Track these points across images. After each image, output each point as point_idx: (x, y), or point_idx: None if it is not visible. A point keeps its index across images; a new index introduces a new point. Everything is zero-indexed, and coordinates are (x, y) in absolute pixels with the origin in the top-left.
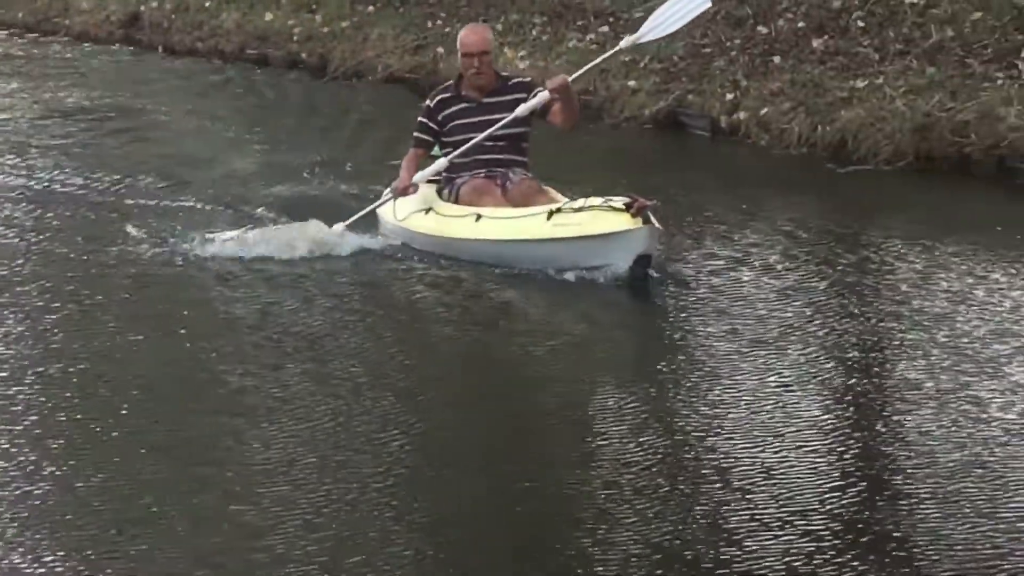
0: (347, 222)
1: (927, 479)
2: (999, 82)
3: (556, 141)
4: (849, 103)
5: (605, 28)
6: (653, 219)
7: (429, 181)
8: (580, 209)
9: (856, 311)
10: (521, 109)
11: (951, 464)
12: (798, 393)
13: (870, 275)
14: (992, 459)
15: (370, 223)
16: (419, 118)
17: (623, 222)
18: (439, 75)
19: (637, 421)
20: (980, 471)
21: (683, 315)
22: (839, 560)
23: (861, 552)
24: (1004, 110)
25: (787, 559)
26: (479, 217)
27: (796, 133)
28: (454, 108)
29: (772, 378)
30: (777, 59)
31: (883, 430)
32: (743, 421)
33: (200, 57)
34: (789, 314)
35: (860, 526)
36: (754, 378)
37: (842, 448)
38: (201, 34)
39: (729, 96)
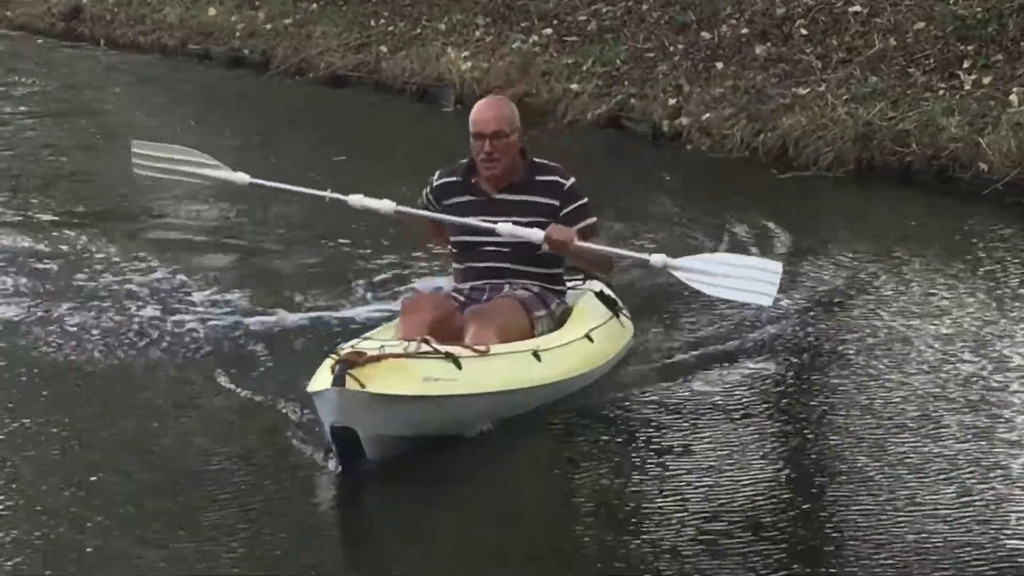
0: (256, 180)
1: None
2: (940, 92)
3: None
4: (791, 110)
5: (548, 30)
6: (359, 379)
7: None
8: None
9: (789, 317)
10: (503, 228)
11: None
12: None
13: (810, 280)
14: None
15: None
16: (424, 190)
17: (319, 380)
18: (381, 74)
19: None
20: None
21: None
22: None
23: None
24: (945, 120)
25: None
26: None
27: (738, 139)
28: (458, 199)
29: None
30: (720, 65)
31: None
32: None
33: (142, 51)
34: (723, 319)
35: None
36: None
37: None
38: (143, 28)
39: (671, 101)
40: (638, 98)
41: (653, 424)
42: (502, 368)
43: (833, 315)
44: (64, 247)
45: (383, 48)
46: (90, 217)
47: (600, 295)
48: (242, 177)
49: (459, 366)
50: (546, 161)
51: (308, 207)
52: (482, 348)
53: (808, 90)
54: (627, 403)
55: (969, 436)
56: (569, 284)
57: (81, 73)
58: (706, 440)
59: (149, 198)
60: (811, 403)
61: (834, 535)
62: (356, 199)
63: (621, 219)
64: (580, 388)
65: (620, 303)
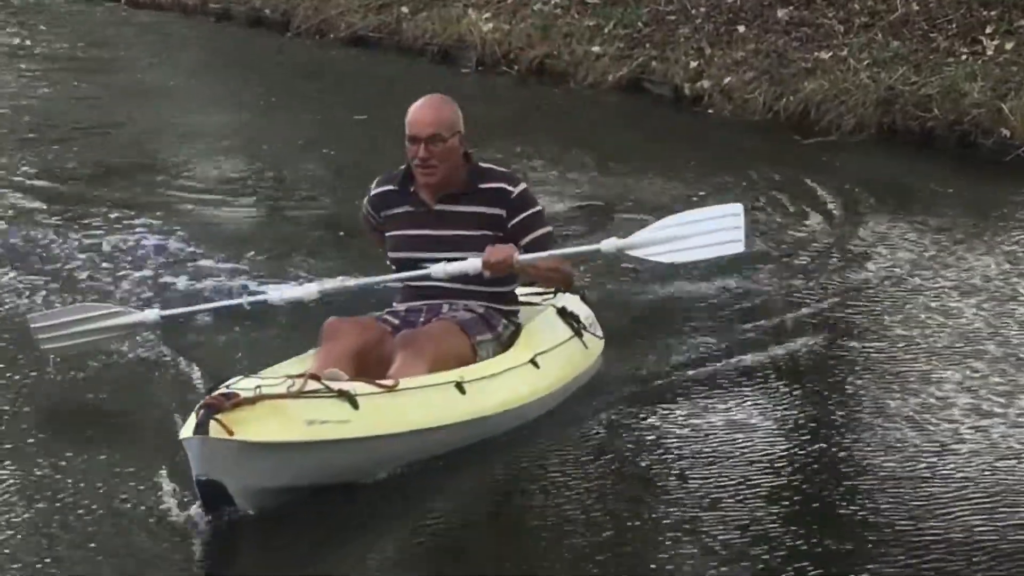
0: (166, 313)
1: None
2: (963, 57)
3: (513, 103)
4: (813, 74)
5: None
6: (226, 425)
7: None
8: None
9: (813, 283)
10: (437, 269)
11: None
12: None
13: (826, 241)
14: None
15: None
16: (363, 201)
17: (187, 426)
18: (402, 35)
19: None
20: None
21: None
22: None
23: None
24: (967, 86)
25: None
26: None
27: (759, 103)
28: (396, 210)
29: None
30: (742, 28)
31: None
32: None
33: (162, 9)
34: (735, 286)
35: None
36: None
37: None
38: None
39: (693, 64)
40: (659, 61)
41: (623, 452)
42: (412, 405)
43: (846, 277)
44: (75, 204)
45: (404, 9)
46: (105, 174)
47: (562, 312)
48: (151, 315)
49: (355, 405)
50: (493, 166)
51: (338, 164)
52: (388, 382)
53: (830, 54)
54: (587, 431)
55: (969, 387)
56: (537, 299)
57: (100, 30)
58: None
59: (168, 155)
60: (816, 360)
61: (835, 495)
62: (276, 295)
63: (641, 183)
64: (524, 420)
65: (584, 320)
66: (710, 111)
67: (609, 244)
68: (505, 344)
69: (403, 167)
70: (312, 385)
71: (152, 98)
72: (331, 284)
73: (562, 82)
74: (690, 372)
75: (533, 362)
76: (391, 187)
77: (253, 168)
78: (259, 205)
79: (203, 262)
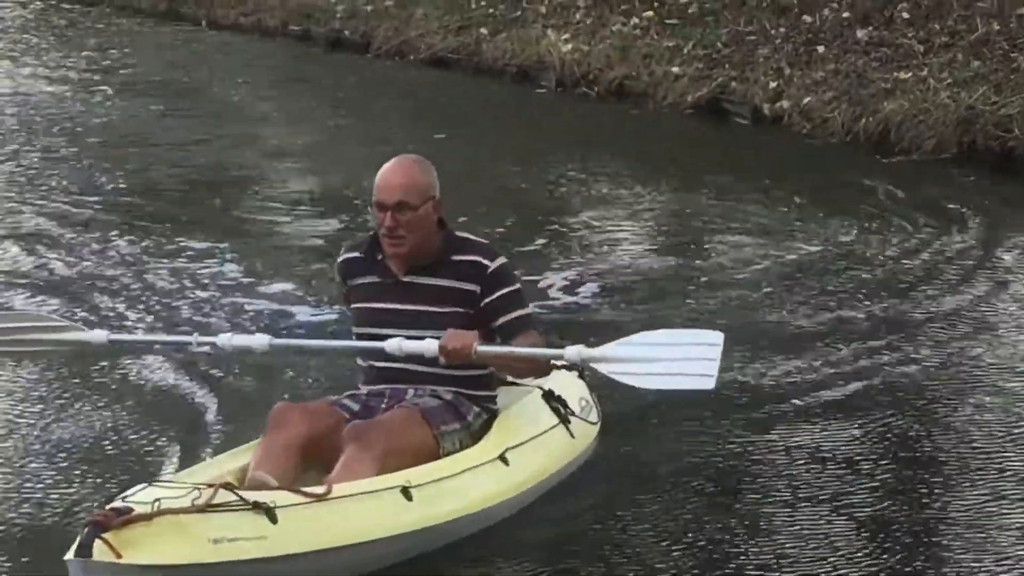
0: (115, 336)
1: None
2: None
3: (589, 119)
4: (892, 95)
5: (650, 12)
6: (114, 546)
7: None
8: None
9: (893, 313)
10: (392, 344)
11: None
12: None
13: (926, 271)
14: None
15: None
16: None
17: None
18: (481, 56)
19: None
20: None
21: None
22: None
23: None
24: None
25: None
26: None
27: (839, 123)
28: (363, 280)
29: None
30: (821, 49)
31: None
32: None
33: (243, 32)
34: (814, 309)
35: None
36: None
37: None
38: (245, 9)
39: (772, 84)
40: (739, 81)
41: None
42: (346, 516)
43: (913, 315)
44: (152, 223)
45: (483, 30)
46: (184, 193)
47: (549, 395)
48: (99, 336)
49: (273, 519)
50: (469, 236)
51: None
52: (319, 490)
53: (910, 74)
54: (561, 533)
55: None
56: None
57: (182, 52)
58: None
59: (246, 176)
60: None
61: None
62: (225, 339)
63: (720, 203)
64: (487, 523)
65: (576, 403)
66: (790, 131)
67: (573, 352)
68: (476, 435)
69: (372, 233)
70: (223, 496)
71: (232, 118)
72: (283, 340)
73: (641, 103)
74: (694, 460)
75: (502, 458)
76: (357, 254)
77: (330, 189)
78: (335, 225)
79: (274, 286)
